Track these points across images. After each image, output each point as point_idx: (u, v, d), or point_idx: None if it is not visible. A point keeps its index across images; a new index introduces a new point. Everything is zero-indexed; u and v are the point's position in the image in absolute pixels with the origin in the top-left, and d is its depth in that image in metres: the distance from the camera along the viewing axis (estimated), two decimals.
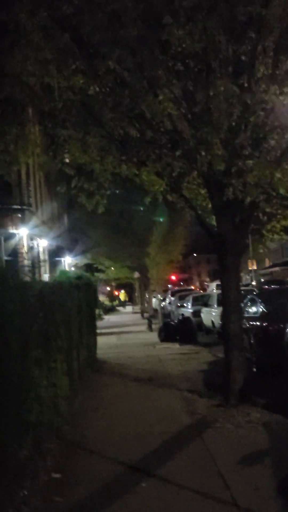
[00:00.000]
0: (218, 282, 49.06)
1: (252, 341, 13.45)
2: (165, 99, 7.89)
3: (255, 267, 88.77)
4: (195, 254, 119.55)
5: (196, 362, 15.28)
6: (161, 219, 36.06)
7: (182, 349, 18.96)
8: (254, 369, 12.77)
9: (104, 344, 22.80)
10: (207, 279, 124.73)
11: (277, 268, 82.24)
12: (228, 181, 8.33)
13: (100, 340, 24.55)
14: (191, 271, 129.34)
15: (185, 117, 8.36)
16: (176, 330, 21.37)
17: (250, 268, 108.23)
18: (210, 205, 10.53)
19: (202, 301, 26.33)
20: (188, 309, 27.30)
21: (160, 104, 8.06)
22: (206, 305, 23.97)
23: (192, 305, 27.04)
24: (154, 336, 24.00)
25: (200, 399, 9.90)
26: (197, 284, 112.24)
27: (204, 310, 24.05)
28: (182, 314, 21.84)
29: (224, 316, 9.90)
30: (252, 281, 76.98)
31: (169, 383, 12.01)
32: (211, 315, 22.38)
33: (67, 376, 9.36)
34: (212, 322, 22.05)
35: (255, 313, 14.48)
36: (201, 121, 7.79)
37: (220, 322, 21.23)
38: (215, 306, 22.07)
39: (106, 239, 40.40)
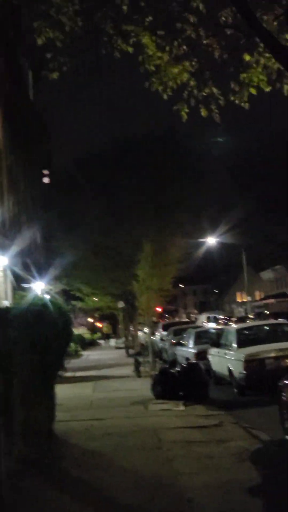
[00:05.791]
0: (209, 314, 42.82)
1: None
2: None
3: (246, 299, 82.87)
4: (181, 285, 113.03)
5: (227, 452, 8.54)
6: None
7: (191, 415, 12.25)
8: None
9: (75, 398, 16.07)
10: (195, 311, 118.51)
11: (272, 300, 76.29)
12: None
13: (71, 390, 17.81)
14: (177, 303, 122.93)
15: None
16: (179, 382, 14.62)
17: (239, 300, 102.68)
18: None
19: (209, 338, 19.68)
20: (189, 348, 20.52)
21: None
22: (217, 344, 17.27)
23: (196, 343, 20.27)
24: (144, 386, 17.21)
25: None
26: (184, 316, 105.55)
27: (214, 351, 17.34)
28: (187, 359, 15.24)
29: None
30: (247, 313, 70.84)
31: None
32: (228, 359, 15.67)
33: None
34: (230, 370, 15.32)
35: None
36: None
37: (244, 372, 14.64)
38: (235, 346, 15.42)
39: (85, 260, 33.78)
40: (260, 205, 49.53)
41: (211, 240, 47.90)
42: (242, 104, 6.61)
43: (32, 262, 32.33)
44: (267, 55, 6.14)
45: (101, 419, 12.31)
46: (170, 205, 32.34)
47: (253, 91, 6.47)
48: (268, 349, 14.70)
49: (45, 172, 56.91)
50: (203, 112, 6.74)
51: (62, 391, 16.88)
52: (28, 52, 36.37)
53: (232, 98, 6.58)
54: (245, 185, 49.89)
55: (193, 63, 6.30)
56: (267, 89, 6.43)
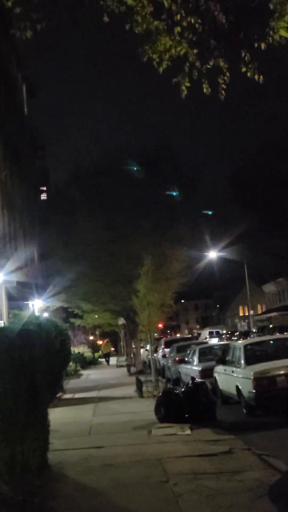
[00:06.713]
0: (212, 329, 42.08)
1: None
2: None
3: (248, 313, 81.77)
4: (182, 301, 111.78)
5: (241, 487, 7.55)
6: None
7: (198, 441, 11.23)
8: None
9: (73, 423, 15.10)
10: (197, 327, 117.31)
11: (275, 313, 75.14)
12: None
13: (69, 414, 16.85)
14: (178, 319, 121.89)
15: None
16: (184, 403, 13.60)
17: (242, 314, 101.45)
18: None
19: (214, 354, 18.70)
20: (194, 366, 19.52)
21: None
22: (223, 361, 16.27)
23: (200, 360, 19.27)
24: (147, 407, 16.19)
25: None
26: (186, 332, 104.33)
27: (220, 369, 16.35)
28: (192, 378, 14.24)
29: None
30: (250, 327, 69.65)
31: None
32: (235, 377, 14.69)
33: None
34: (238, 388, 14.33)
35: None
36: None
37: (254, 391, 13.65)
38: (243, 363, 14.42)
39: (84, 276, 32.80)
40: (262, 218, 48.67)
41: (212, 254, 47.02)
42: (256, 76, 5.67)
43: (29, 279, 31.45)
44: None
45: (100, 447, 11.30)
46: (169, 218, 31.56)
47: (284, 32, 5.37)
48: (279, 366, 13.71)
49: (42, 188, 56.11)
50: (205, 89, 5.81)
51: (59, 415, 15.92)
52: (22, 66, 35.60)
53: (243, 69, 5.62)
54: (246, 197, 49.11)
55: (197, 26, 5.33)
56: None
